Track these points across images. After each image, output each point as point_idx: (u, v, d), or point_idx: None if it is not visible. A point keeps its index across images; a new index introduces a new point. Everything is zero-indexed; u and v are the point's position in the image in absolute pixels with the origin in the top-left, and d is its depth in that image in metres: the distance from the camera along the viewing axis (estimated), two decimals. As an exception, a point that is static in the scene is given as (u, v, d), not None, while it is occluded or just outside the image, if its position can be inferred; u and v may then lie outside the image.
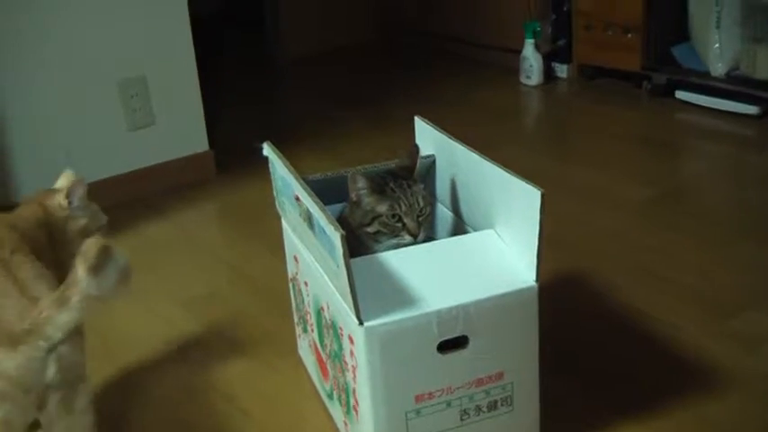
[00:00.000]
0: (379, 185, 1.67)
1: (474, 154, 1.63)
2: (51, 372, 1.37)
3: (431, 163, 1.82)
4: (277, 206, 1.82)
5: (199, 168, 3.02)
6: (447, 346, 1.44)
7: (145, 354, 2.01)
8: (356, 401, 1.49)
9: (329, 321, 1.56)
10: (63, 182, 1.73)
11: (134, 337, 2.06)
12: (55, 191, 1.69)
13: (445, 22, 4.50)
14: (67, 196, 1.66)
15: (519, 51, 3.93)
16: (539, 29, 3.89)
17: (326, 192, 1.66)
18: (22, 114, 2.67)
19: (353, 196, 1.69)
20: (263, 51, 4.83)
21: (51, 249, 1.62)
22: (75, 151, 2.66)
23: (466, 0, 4.31)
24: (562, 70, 3.96)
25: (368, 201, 1.67)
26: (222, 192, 2.98)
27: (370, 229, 1.66)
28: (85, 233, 1.65)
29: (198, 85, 3.02)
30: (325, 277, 1.53)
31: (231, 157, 3.12)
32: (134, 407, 1.84)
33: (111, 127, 2.83)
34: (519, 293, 1.46)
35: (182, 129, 3.00)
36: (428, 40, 4.65)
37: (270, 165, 1.75)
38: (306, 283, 1.70)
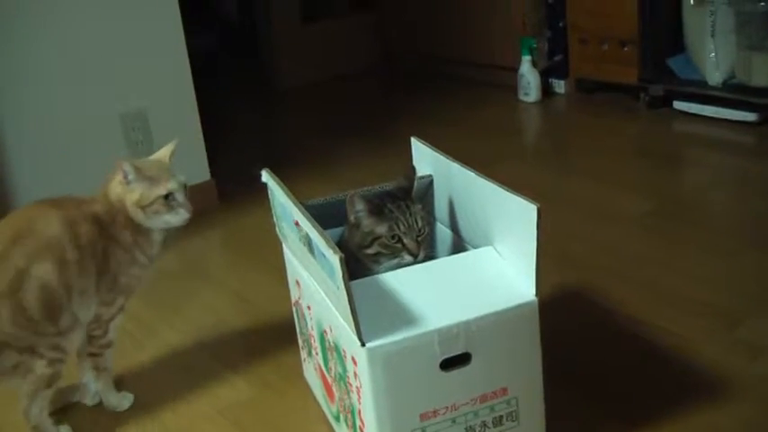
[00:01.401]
0: (378, 207, 1.69)
1: (470, 172, 1.64)
2: None
3: (429, 183, 1.84)
4: (277, 232, 1.83)
5: (201, 197, 3.02)
6: (450, 364, 1.44)
7: (151, 382, 2.02)
8: (362, 422, 1.49)
9: (332, 344, 1.56)
10: (164, 151, 1.91)
11: (139, 366, 2.07)
12: (115, 169, 1.81)
13: (441, 45, 4.52)
14: (122, 174, 1.77)
15: (516, 69, 3.95)
16: (535, 45, 3.91)
17: (326, 216, 1.68)
18: (24, 148, 2.69)
19: (352, 218, 1.70)
20: (262, 80, 4.86)
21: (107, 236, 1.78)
22: (78, 185, 2.67)
23: (461, 21, 4.34)
24: (559, 86, 3.98)
25: (367, 223, 1.68)
26: (225, 220, 3.00)
27: (369, 251, 1.67)
28: (141, 203, 1.77)
29: (198, 116, 3.05)
30: (327, 300, 1.54)
31: (233, 185, 3.14)
32: (143, 437, 1.85)
33: (113, 160, 2.84)
34: (519, 308, 1.47)
35: (183, 159, 2.98)
36: (425, 63, 4.67)
37: (269, 191, 1.77)
38: (309, 307, 1.71)
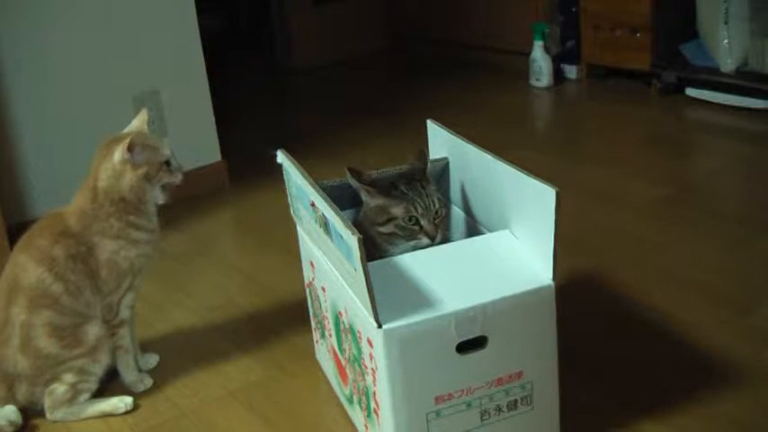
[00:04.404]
0: (385, 185, 1.69)
1: (487, 155, 1.63)
2: None
3: (444, 165, 1.83)
4: (292, 213, 1.82)
5: (212, 179, 3.03)
6: (466, 347, 1.44)
7: (162, 363, 2.02)
8: (376, 404, 1.49)
9: (347, 325, 1.56)
10: (138, 122, 1.87)
11: (151, 347, 2.07)
12: (118, 141, 1.78)
13: (453, 28, 4.51)
14: (129, 149, 1.75)
15: (528, 54, 3.94)
16: (547, 31, 3.90)
17: (341, 197, 1.68)
18: (37, 130, 2.69)
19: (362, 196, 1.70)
20: (273, 62, 4.85)
21: (86, 237, 1.79)
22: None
23: (473, 5, 4.32)
24: (571, 71, 3.97)
25: (377, 202, 1.67)
26: (236, 201, 3.00)
27: (384, 230, 1.66)
28: (149, 177, 1.79)
29: (209, 97, 3.05)
30: (343, 282, 1.53)
31: (244, 166, 3.14)
32: (153, 416, 1.85)
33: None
34: (536, 292, 1.46)
35: (194, 140, 3.02)
36: (436, 47, 4.67)
37: (284, 172, 1.76)
38: (323, 289, 1.71)
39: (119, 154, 1.76)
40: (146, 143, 1.78)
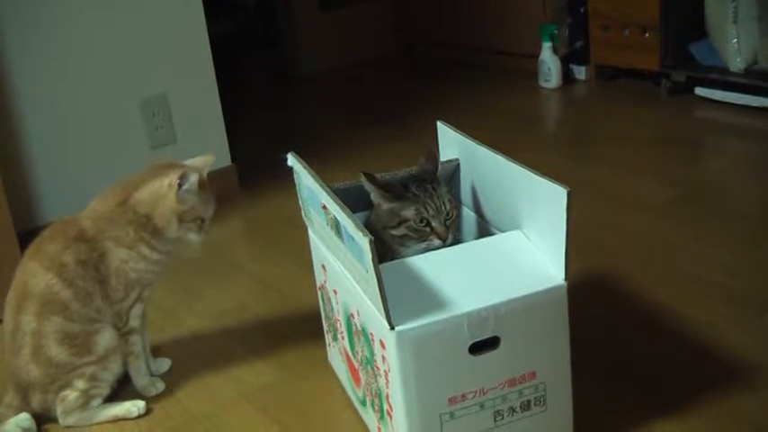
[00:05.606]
0: (398, 190, 1.69)
1: (498, 156, 1.63)
2: None
3: (455, 167, 1.83)
4: (303, 216, 1.82)
5: (222, 183, 3.03)
6: (478, 348, 1.44)
7: (174, 367, 2.02)
8: (389, 406, 1.49)
9: (360, 328, 1.56)
10: (200, 162, 1.87)
11: (163, 351, 2.07)
12: (176, 167, 1.79)
13: (461, 32, 4.51)
14: (180, 179, 1.75)
15: (536, 55, 3.94)
16: (556, 32, 3.90)
17: (352, 200, 1.67)
18: (45, 135, 2.69)
19: (372, 198, 1.70)
20: (281, 67, 4.86)
21: (99, 243, 1.79)
22: (99, 171, 2.67)
23: (480, 8, 4.32)
24: (580, 72, 3.96)
25: (389, 206, 1.67)
26: (246, 205, 3.00)
27: (396, 232, 1.66)
28: (183, 216, 1.79)
29: (218, 102, 3.05)
30: (355, 284, 1.53)
31: (254, 171, 3.14)
32: (166, 420, 1.85)
33: (134, 145, 2.85)
34: (549, 292, 1.46)
35: (203, 145, 3.01)
36: (444, 50, 4.66)
37: (295, 175, 1.76)
38: (335, 291, 1.71)
39: (173, 177, 1.76)
40: (203, 185, 1.79)
